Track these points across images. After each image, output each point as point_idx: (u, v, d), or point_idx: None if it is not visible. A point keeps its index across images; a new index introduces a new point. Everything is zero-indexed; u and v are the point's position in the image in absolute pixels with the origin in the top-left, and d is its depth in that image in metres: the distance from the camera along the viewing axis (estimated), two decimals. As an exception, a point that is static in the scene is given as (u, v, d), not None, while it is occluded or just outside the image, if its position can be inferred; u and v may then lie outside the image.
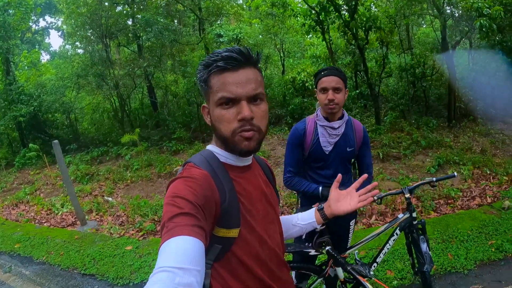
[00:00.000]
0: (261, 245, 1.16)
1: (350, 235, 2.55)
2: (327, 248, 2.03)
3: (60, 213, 6.43)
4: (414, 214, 2.48)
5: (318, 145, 2.26)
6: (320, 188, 2.23)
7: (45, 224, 6.12)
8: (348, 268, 1.87)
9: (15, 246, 5.15)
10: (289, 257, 2.57)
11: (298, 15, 9.56)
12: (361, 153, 2.40)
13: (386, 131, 8.22)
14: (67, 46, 17.93)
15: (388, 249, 2.51)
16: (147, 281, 0.81)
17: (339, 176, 1.51)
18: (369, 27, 8.22)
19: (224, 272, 1.10)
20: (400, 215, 2.51)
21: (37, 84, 12.20)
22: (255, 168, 1.28)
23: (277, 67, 13.80)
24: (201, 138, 10.15)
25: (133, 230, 5.35)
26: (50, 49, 25.73)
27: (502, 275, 3.17)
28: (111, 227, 5.50)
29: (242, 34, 12.30)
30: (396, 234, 2.49)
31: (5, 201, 7.74)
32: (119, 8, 11.45)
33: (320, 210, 1.51)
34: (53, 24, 25.15)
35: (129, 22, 11.43)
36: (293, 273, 2.55)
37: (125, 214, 6.01)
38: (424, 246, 2.48)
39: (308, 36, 12.51)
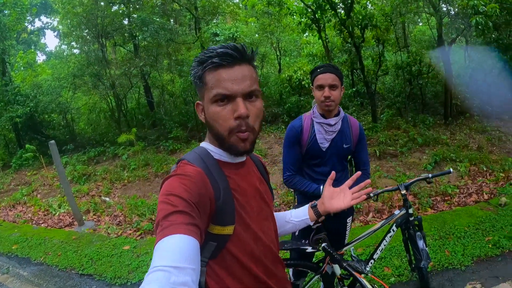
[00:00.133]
0: (256, 242, 1.16)
1: (347, 232, 2.55)
2: (323, 244, 2.04)
3: (57, 214, 6.41)
4: (410, 211, 2.49)
5: (315, 142, 2.26)
6: (321, 187, 2.21)
7: (42, 225, 6.09)
8: (344, 265, 1.87)
9: (13, 247, 5.13)
10: (286, 254, 2.57)
11: (294, 14, 9.57)
12: (357, 150, 2.40)
13: (383, 129, 8.23)
14: (63, 46, 17.93)
15: (384, 245, 2.52)
16: None
17: (333, 173, 1.51)
18: (365, 25, 8.22)
19: (219, 269, 1.09)
20: (397, 212, 2.52)
21: (33, 84, 12.11)
22: (249, 165, 1.27)
23: (274, 65, 13.78)
24: (198, 137, 10.12)
25: (130, 229, 5.34)
26: (46, 50, 25.59)
27: (499, 271, 3.18)
28: (109, 227, 5.49)
29: (238, 33, 12.29)
30: (393, 230, 2.50)
31: (2, 202, 7.70)
32: (115, 8, 11.39)
33: (314, 207, 1.51)
34: (49, 24, 25.04)
35: (125, 22, 11.36)
36: (290, 271, 2.56)
37: (122, 214, 6.00)
38: (420, 243, 2.50)
39: (305, 35, 12.50)
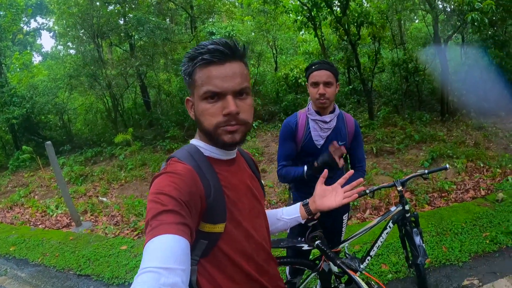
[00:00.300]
0: (247, 240, 1.15)
1: (343, 229, 2.56)
2: (317, 242, 2.03)
3: (54, 215, 6.40)
4: (406, 207, 2.48)
5: (310, 139, 2.25)
6: (305, 167, 2.20)
7: (40, 226, 6.08)
8: (338, 262, 1.86)
9: (11, 249, 5.12)
10: (283, 252, 2.57)
11: (290, 12, 9.57)
12: (353, 147, 2.40)
13: (380, 126, 8.24)
14: (59, 47, 17.83)
15: (381, 242, 2.52)
16: None
17: (325, 171, 1.51)
18: (361, 22, 8.23)
19: (211, 267, 1.08)
20: (393, 208, 2.51)
21: (29, 85, 12.05)
22: (240, 162, 1.26)
23: (270, 64, 13.76)
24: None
25: (127, 229, 5.34)
26: (42, 50, 25.46)
27: (497, 266, 3.19)
28: (106, 227, 5.48)
29: (234, 32, 12.25)
30: (389, 227, 2.49)
31: (0, 204, 7.68)
32: (110, 8, 11.32)
33: (305, 205, 1.50)
34: (45, 25, 24.89)
35: (121, 22, 11.31)
36: (287, 268, 2.55)
37: (119, 214, 5.99)
38: (417, 239, 2.49)
39: (301, 33, 12.49)
